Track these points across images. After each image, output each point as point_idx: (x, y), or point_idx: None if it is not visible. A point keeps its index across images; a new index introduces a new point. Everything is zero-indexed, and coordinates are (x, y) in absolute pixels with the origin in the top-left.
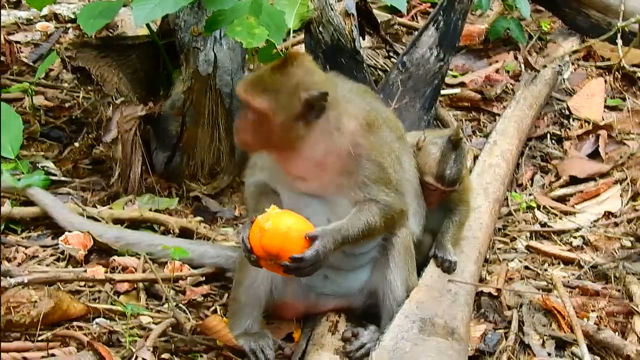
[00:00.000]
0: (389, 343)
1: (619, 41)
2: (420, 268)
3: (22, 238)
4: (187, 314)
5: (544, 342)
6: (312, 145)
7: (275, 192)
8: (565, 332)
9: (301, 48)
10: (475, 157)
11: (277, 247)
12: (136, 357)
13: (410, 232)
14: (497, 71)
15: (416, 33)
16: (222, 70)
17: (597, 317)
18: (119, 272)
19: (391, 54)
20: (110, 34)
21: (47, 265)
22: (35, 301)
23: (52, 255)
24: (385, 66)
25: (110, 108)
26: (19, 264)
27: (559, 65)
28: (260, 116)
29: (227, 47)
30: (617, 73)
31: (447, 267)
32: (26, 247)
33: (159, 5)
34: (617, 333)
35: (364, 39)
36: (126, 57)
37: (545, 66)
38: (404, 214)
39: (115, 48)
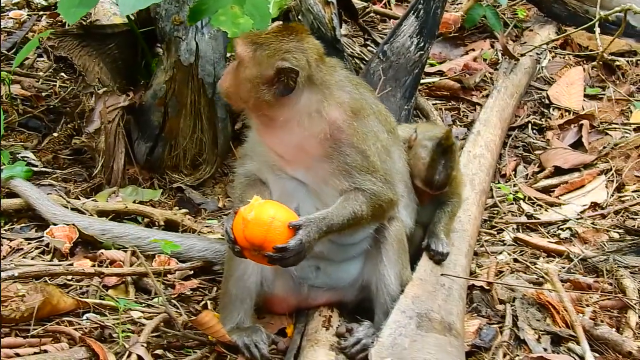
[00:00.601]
0: (387, 339)
1: (597, 29)
2: (413, 261)
3: (6, 230)
4: (178, 308)
5: (539, 337)
6: (292, 124)
7: (264, 183)
8: (560, 327)
9: None
10: (460, 148)
11: (261, 238)
12: (129, 353)
13: (403, 225)
14: (474, 59)
15: (397, 22)
16: (204, 59)
17: (591, 311)
18: (107, 266)
19: (368, 42)
20: (83, 22)
21: (32, 258)
22: (24, 295)
23: (37, 248)
24: (362, 54)
25: (93, 98)
26: (4, 257)
27: (537, 54)
28: (239, 63)
29: (209, 36)
30: (595, 62)
31: (439, 259)
32: (10, 240)
33: None
34: (613, 328)
35: (341, 27)
36: (106, 46)
37: (523, 55)
38: (393, 203)
39: (95, 37)
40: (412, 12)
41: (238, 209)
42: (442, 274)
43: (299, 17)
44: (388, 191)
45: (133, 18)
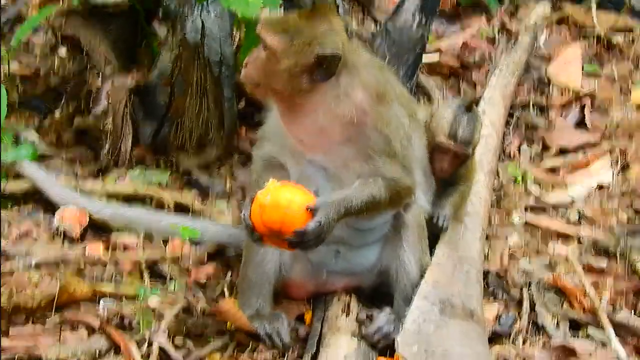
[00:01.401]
0: (412, 326)
1: (593, 6)
2: (430, 247)
3: (14, 214)
4: (195, 295)
5: (557, 322)
6: (318, 108)
7: (283, 166)
8: (578, 312)
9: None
10: None
11: (279, 222)
12: (151, 342)
13: (422, 211)
14: (472, 36)
15: None
16: (210, 38)
17: (608, 297)
18: (121, 251)
19: (367, 19)
20: None
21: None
22: (37, 282)
23: (46, 232)
24: (360, 31)
25: (99, 78)
26: (14, 242)
27: (534, 31)
28: (270, 54)
29: (215, 14)
30: (592, 39)
31: (440, 226)
32: (19, 224)
33: None
34: (632, 312)
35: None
36: (108, 25)
37: (522, 31)
38: (410, 190)
39: (98, 16)
40: None
41: (255, 194)
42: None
43: None
44: (407, 178)
45: None
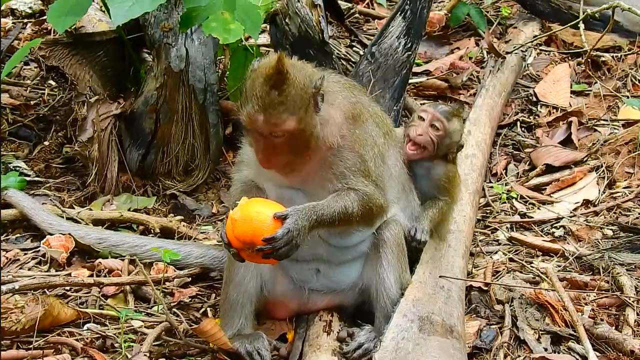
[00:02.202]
0: (390, 343)
1: (582, 26)
2: (411, 264)
3: (1, 241)
4: (178, 316)
5: (539, 337)
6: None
7: (260, 188)
8: (559, 326)
9: (265, 39)
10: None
11: (250, 234)
12: None
13: (401, 228)
14: (460, 58)
15: (383, 22)
16: (194, 65)
17: (590, 310)
18: (105, 275)
19: (354, 43)
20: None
21: (29, 269)
22: (23, 307)
23: (33, 258)
24: (348, 56)
25: (85, 107)
26: (1, 268)
27: (522, 52)
28: (288, 136)
29: (199, 42)
30: (581, 58)
31: (415, 247)
32: (6, 251)
33: (136, 3)
34: (612, 326)
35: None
36: (95, 54)
37: (509, 52)
38: (382, 209)
39: (84, 45)
40: (399, 12)
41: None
42: (440, 276)
43: (286, 20)
44: (379, 196)
45: (121, 25)
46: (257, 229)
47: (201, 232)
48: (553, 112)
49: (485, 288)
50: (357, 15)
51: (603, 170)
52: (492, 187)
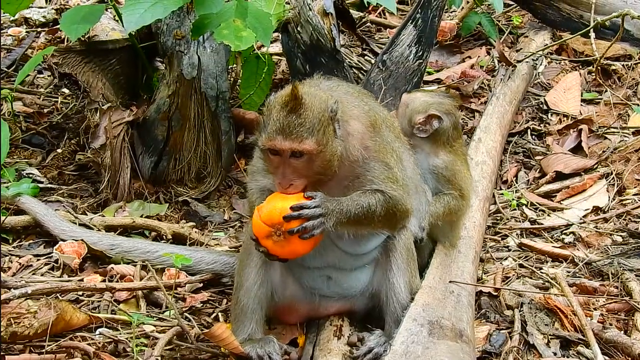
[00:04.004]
0: (400, 347)
1: (592, 35)
2: (421, 270)
3: (14, 247)
4: (190, 321)
5: (548, 341)
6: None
7: None
8: (569, 331)
9: (277, 48)
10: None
11: (277, 212)
12: None
13: (411, 234)
14: (472, 67)
15: (394, 31)
16: (206, 73)
17: (599, 315)
18: (117, 281)
19: (366, 52)
20: (81, 37)
21: (42, 274)
22: (36, 312)
23: (46, 264)
24: (360, 64)
25: (97, 114)
26: (14, 274)
27: (533, 60)
28: (311, 155)
29: (211, 50)
30: (592, 67)
31: (416, 237)
32: (19, 257)
33: (148, 10)
34: (621, 331)
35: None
36: (108, 62)
37: (520, 61)
38: (407, 213)
39: (97, 53)
40: (410, 21)
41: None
42: (450, 281)
43: (298, 28)
44: (405, 201)
45: (134, 33)
46: (285, 207)
47: (213, 239)
48: (563, 120)
49: (495, 293)
50: (368, 24)
51: (613, 178)
52: (502, 194)
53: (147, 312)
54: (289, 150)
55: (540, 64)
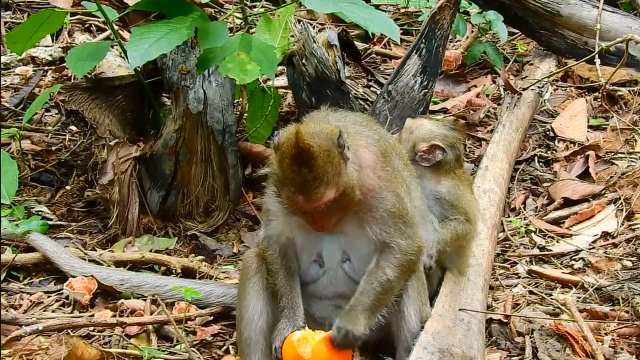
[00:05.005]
0: None
1: (597, 61)
2: (431, 297)
3: (25, 285)
4: (200, 355)
5: None
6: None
7: (292, 240)
8: (580, 356)
9: (282, 81)
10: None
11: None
12: None
13: (421, 263)
14: (477, 95)
15: (399, 61)
16: (212, 107)
17: (610, 340)
18: (128, 315)
19: (372, 83)
20: (89, 75)
21: (53, 311)
22: (47, 348)
23: (57, 300)
24: (366, 95)
25: (105, 150)
26: (25, 311)
27: (539, 87)
28: (335, 200)
29: (216, 84)
30: (598, 93)
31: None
32: (30, 294)
33: (153, 45)
34: (633, 355)
35: (344, 69)
36: (114, 98)
37: (525, 89)
38: (420, 250)
39: (103, 89)
40: (415, 51)
41: (288, 333)
42: (460, 309)
43: (303, 61)
44: (416, 238)
45: (140, 69)
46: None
47: (222, 272)
48: (570, 147)
49: (505, 320)
50: (373, 55)
51: (621, 203)
52: (510, 221)
53: (158, 346)
54: (313, 209)
55: (546, 91)
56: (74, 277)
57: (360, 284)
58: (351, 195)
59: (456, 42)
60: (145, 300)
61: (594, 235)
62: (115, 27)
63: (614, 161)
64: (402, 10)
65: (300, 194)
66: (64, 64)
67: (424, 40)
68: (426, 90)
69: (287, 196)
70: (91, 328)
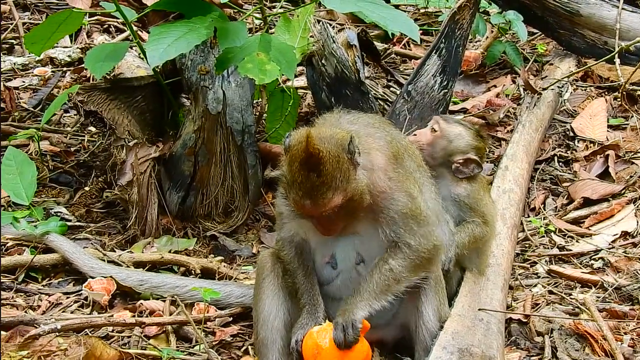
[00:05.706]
0: None
1: (617, 60)
2: (450, 298)
3: (44, 286)
4: (219, 355)
5: None
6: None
7: (307, 241)
8: (599, 355)
9: (302, 81)
10: (489, 183)
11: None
12: None
13: (439, 262)
14: (497, 95)
15: (419, 61)
16: (231, 107)
17: (630, 339)
18: (147, 316)
19: (391, 83)
20: (108, 76)
21: (72, 312)
22: (66, 349)
23: (75, 301)
24: (385, 95)
25: (124, 151)
26: (44, 312)
27: (559, 87)
28: (342, 206)
29: (236, 84)
30: (617, 92)
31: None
32: (49, 295)
33: (172, 45)
34: None
35: (364, 69)
36: (133, 99)
37: (545, 88)
38: (436, 249)
39: (122, 90)
40: (435, 51)
41: (309, 328)
42: (479, 309)
43: (322, 61)
44: (430, 237)
45: (159, 70)
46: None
47: (242, 272)
48: (590, 147)
49: (525, 320)
50: (393, 55)
51: None
52: (530, 221)
53: (177, 346)
54: (320, 214)
55: (566, 91)
56: (92, 278)
57: (367, 279)
58: (359, 201)
59: (476, 42)
60: (164, 301)
61: (614, 235)
62: (134, 28)
63: (633, 161)
64: (422, 11)
65: (308, 199)
66: (83, 65)
67: (443, 40)
68: (446, 91)
69: (294, 199)
70: (110, 328)
